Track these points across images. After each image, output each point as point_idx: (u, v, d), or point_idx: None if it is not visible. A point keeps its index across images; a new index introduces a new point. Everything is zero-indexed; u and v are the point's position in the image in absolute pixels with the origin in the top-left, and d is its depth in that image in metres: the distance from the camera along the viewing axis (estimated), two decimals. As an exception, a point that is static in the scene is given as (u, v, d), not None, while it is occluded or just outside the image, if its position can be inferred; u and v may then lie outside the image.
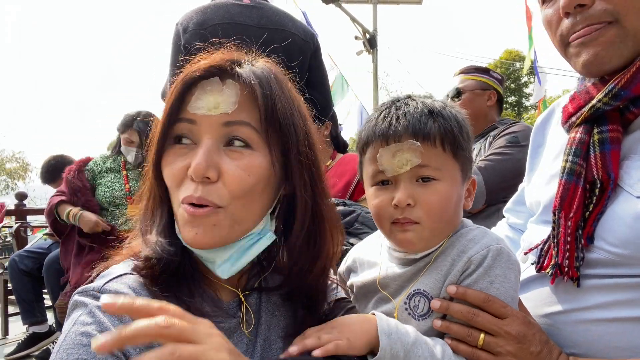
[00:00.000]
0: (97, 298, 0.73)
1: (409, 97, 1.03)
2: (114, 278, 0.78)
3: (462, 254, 0.94)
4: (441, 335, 0.93)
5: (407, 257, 1.01)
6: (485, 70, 2.67)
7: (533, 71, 7.69)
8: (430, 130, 0.94)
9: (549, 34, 1.05)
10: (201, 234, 0.78)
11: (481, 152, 2.40)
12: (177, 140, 0.82)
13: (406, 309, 0.97)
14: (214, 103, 0.80)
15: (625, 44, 0.92)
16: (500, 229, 1.50)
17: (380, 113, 1.00)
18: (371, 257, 1.11)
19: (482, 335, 0.88)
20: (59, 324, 3.23)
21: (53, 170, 4.11)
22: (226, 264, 0.84)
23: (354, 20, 8.31)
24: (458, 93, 2.57)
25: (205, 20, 2.13)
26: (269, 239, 0.89)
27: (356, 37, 8.72)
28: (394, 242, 1.02)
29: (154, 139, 0.84)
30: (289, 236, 0.91)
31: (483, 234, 0.98)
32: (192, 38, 2.13)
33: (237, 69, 0.83)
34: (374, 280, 1.04)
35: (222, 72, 0.82)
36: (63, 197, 3.22)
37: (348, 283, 1.13)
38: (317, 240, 0.91)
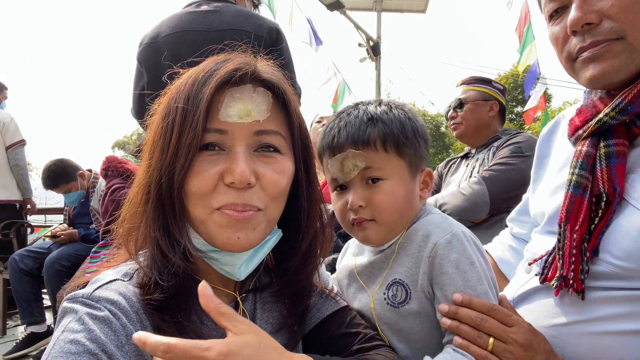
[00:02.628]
0: (87, 305, 0.72)
1: (356, 105, 1.11)
2: (104, 284, 0.76)
3: (427, 238, 1.01)
4: (418, 322, 1.00)
5: (375, 248, 1.10)
6: (487, 81, 2.68)
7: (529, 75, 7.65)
8: (369, 136, 1.02)
9: (555, 50, 1.07)
10: (244, 237, 0.80)
11: (485, 162, 2.41)
12: (202, 146, 0.80)
13: (385, 299, 1.04)
14: (245, 111, 0.80)
15: (632, 59, 0.93)
16: (504, 239, 1.51)
17: (328, 126, 1.10)
18: (351, 247, 1.24)
19: (491, 340, 0.90)
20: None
21: (55, 175, 4.08)
22: (243, 266, 0.86)
23: (358, 27, 8.35)
24: (460, 104, 2.58)
25: (159, 32, 2.17)
26: (277, 237, 0.92)
27: (360, 44, 8.76)
28: (357, 240, 1.13)
29: (173, 148, 0.79)
30: (290, 237, 0.94)
31: (443, 218, 1.06)
32: (144, 51, 2.19)
33: (263, 75, 0.84)
34: (351, 269, 1.15)
35: (248, 77, 0.82)
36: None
37: (334, 276, 1.23)
38: (313, 243, 0.94)
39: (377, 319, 1.04)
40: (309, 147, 0.92)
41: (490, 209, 2.16)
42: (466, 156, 2.67)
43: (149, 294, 0.77)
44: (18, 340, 3.73)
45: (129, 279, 0.80)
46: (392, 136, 1.03)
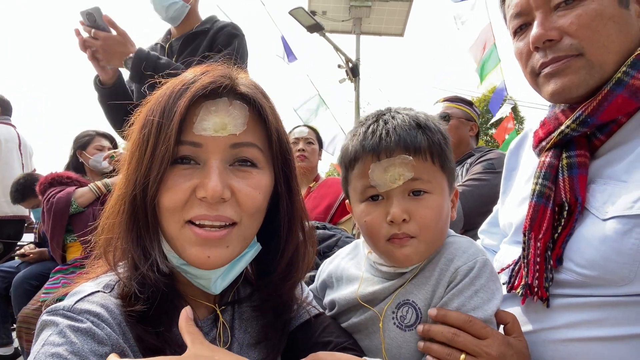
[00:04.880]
0: (68, 317, 0.70)
1: (391, 109, 1.04)
2: (85, 296, 0.75)
3: (450, 262, 0.95)
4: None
5: (396, 270, 1.01)
6: (469, 103, 2.77)
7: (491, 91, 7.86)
8: (421, 143, 0.94)
9: (520, 65, 1.11)
10: (214, 257, 0.79)
11: (459, 178, 2.46)
12: (176, 160, 0.79)
13: (393, 318, 0.96)
14: (221, 124, 0.79)
15: (591, 74, 0.97)
16: None
17: (368, 127, 0.99)
18: (350, 272, 1.10)
19: (462, 356, 0.89)
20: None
21: (22, 189, 3.99)
22: (219, 280, 0.84)
23: (337, 49, 8.51)
24: (447, 117, 2.64)
25: None
26: (256, 251, 0.91)
27: (339, 66, 8.91)
28: (389, 259, 1.00)
29: (147, 160, 0.78)
30: (271, 251, 0.93)
31: (469, 243, 1.00)
32: None
33: (241, 88, 0.83)
34: (355, 295, 1.03)
35: (225, 90, 0.81)
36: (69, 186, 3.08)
37: (326, 300, 1.13)
38: (294, 258, 0.93)
39: (383, 338, 0.98)
40: (290, 160, 0.90)
41: (464, 223, 2.20)
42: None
43: (130, 305, 0.76)
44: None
45: (110, 291, 0.79)
46: (439, 146, 0.96)
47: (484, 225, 1.54)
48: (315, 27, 7.74)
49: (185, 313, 0.70)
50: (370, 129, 0.98)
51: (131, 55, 1.98)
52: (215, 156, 0.79)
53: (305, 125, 3.33)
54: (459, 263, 0.94)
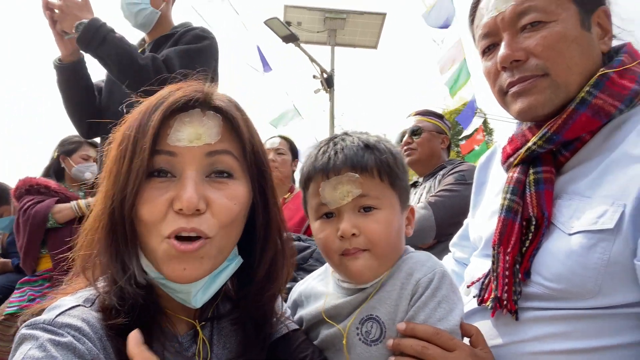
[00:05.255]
0: (48, 331, 0.69)
1: (346, 133, 1.09)
2: (65, 310, 0.74)
3: (410, 276, 0.98)
4: None
5: (356, 286, 1.04)
6: (440, 116, 2.84)
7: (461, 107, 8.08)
8: (367, 162, 0.99)
9: (489, 84, 1.15)
10: (190, 269, 0.79)
11: (431, 189, 2.51)
12: (153, 173, 0.80)
13: (358, 334, 0.98)
14: (195, 134, 0.80)
15: (556, 94, 1.01)
16: (447, 263, 1.56)
17: (320, 149, 1.05)
18: (317, 289, 1.13)
19: None
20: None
21: None
22: (199, 294, 0.84)
23: (312, 60, 8.57)
24: (417, 131, 2.69)
25: None
26: (237, 264, 0.91)
27: (314, 76, 8.97)
28: (344, 274, 1.04)
29: (124, 174, 0.79)
30: (251, 263, 0.93)
31: (427, 257, 1.04)
32: None
33: (215, 101, 0.85)
34: (320, 310, 1.05)
35: (198, 103, 0.83)
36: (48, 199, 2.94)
37: (296, 317, 1.14)
38: (272, 269, 0.93)
39: (347, 355, 0.99)
40: (265, 172, 0.91)
41: (436, 234, 2.24)
42: (414, 185, 2.78)
43: (111, 318, 0.75)
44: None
45: (91, 305, 0.78)
46: (388, 165, 1.01)
47: (455, 239, 1.57)
48: (290, 38, 7.78)
49: (134, 338, 0.68)
50: (322, 150, 1.05)
51: (85, 20, 1.98)
52: (191, 167, 0.80)
53: (278, 136, 3.34)
54: (419, 275, 0.97)
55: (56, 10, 2.03)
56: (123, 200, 0.78)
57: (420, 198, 2.55)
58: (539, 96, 1.02)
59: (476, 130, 8.70)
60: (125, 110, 0.90)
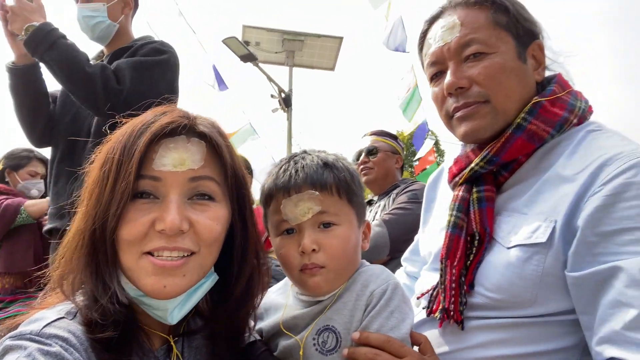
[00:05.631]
0: (36, 341, 0.70)
1: (305, 152, 1.14)
2: (51, 322, 0.75)
3: (365, 288, 1.03)
4: None
5: (314, 299, 1.07)
6: (395, 137, 2.95)
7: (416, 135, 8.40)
8: (327, 180, 1.04)
9: (436, 108, 1.23)
10: (170, 286, 0.81)
11: (385, 207, 2.59)
12: (136, 195, 0.82)
13: (314, 344, 1.01)
14: (180, 160, 0.83)
15: (496, 119, 1.10)
16: (399, 277, 1.60)
17: (281, 167, 1.09)
18: (277, 301, 1.16)
19: None
20: None
21: None
22: (175, 311, 0.86)
23: (270, 79, 8.65)
24: (374, 151, 2.78)
25: None
26: (212, 281, 0.93)
27: (272, 96, 9.03)
28: (303, 288, 1.08)
29: (107, 196, 0.81)
30: (226, 280, 0.96)
31: (381, 270, 1.09)
32: None
33: (199, 127, 0.88)
34: (278, 321, 1.08)
35: (183, 129, 0.86)
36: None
37: (256, 328, 1.15)
38: (249, 286, 0.97)
39: None
40: (245, 194, 0.95)
41: (391, 250, 2.31)
42: (369, 203, 2.86)
43: (95, 332, 0.77)
44: None
45: (73, 317, 0.79)
46: (346, 183, 1.06)
47: (406, 254, 1.64)
48: (248, 57, 7.82)
49: None
50: (283, 168, 1.08)
51: (35, 23, 1.95)
52: (174, 190, 0.83)
53: None
54: (373, 287, 1.02)
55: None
56: (105, 222, 0.80)
57: (375, 216, 2.63)
58: (481, 121, 1.11)
59: (428, 151, 9.04)
60: (107, 131, 0.92)
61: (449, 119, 1.18)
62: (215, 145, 0.89)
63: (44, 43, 1.92)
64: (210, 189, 0.87)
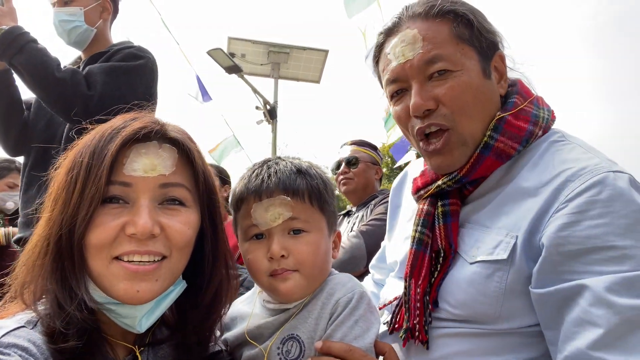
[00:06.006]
0: None
1: (279, 158, 1.13)
2: (10, 331, 0.74)
3: (330, 296, 1.02)
4: None
5: (281, 307, 1.06)
6: (375, 147, 2.97)
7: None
8: (299, 186, 1.03)
9: (399, 127, 1.19)
10: (144, 290, 0.81)
11: (363, 218, 2.60)
12: (106, 200, 0.81)
13: (278, 354, 1.00)
14: (151, 165, 0.83)
15: (467, 147, 1.07)
16: (366, 285, 1.60)
17: (253, 172, 1.08)
18: (243, 311, 1.14)
19: None
20: None
21: None
22: (144, 319, 0.85)
23: (255, 91, 8.65)
24: (355, 161, 2.78)
25: None
26: (181, 288, 0.92)
27: (257, 107, 9.03)
28: (274, 293, 1.05)
29: (75, 201, 0.80)
30: (194, 288, 0.95)
31: (348, 278, 1.08)
32: None
33: (170, 133, 0.88)
34: (243, 331, 1.07)
35: (155, 134, 0.86)
36: None
37: (222, 337, 1.15)
38: (218, 294, 0.96)
39: None
40: (215, 200, 0.95)
41: (367, 261, 2.31)
42: (348, 213, 2.86)
43: (57, 342, 0.75)
44: None
45: (33, 327, 0.77)
46: (318, 191, 1.05)
47: (373, 261, 1.63)
48: (233, 69, 7.82)
49: None
50: (255, 173, 1.08)
51: (4, 27, 1.92)
52: (145, 195, 0.83)
53: (210, 165, 3.33)
54: (338, 295, 1.02)
55: None
56: (73, 227, 0.79)
57: (353, 227, 2.63)
58: (452, 155, 1.08)
59: (407, 163, 9.14)
60: (74, 136, 0.91)
61: (414, 138, 1.14)
62: (187, 151, 0.89)
63: (12, 47, 1.90)
64: (180, 195, 0.88)
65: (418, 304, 1.05)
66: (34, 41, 1.96)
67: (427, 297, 1.05)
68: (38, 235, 0.84)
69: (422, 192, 1.18)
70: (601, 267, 0.85)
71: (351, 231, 2.54)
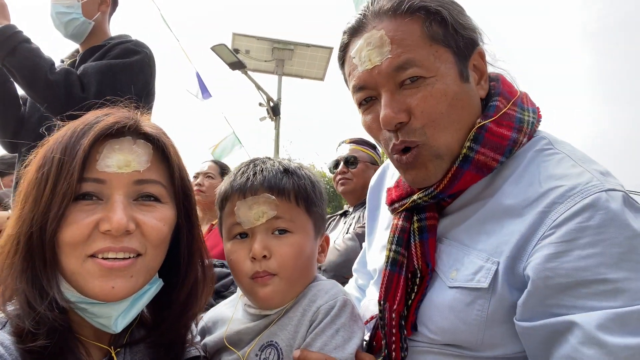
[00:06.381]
0: None
1: (268, 158, 1.11)
2: None
3: (312, 303, 0.99)
4: None
5: (261, 312, 1.04)
6: (374, 146, 2.89)
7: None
8: (285, 185, 1.01)
9: (371, 136, 1.09)
10: (120, 286, 0.80)
11: (360, 219, 2.56)
12: (78, 197, 0.80)
13: None
14: (125, 161, 0.82)
15: (442, 159, 0.97)
16: (349, 290, 1.51)
17: (239, 170, 1.06)
18: (224, 314, 1.12)
19: None
20: None
21: None
22: (119, 318, 0.84)
23: (259, 87, 8.63)
24: (354, 161, 2.73)
25: None
26: (157, 287, 0.91)
27: (260, 104, 9.01)
28: (253, 299, 1.03)
29: (47, 198, 0.78)
30: (169, 286, 0.94)
31: (332, 285, 1.05)
32: None
33: (144, 128, 0.86)
34: (222, 336, 1.05)
35: (129, 130, 0.84)
36: None
37: (202, 342, 1.12)
38: (193, 292, 0.95)
39: None
40: (191, 196, 0.94)
41: (362, 265, 2.27)
42: (344, 214, 2.82)
43: (26, 342, 0.74)
44: None
45: (2, 327, 0.77)
46: (305, 191, 1.03)
47: (355, 265, 1.55)
48: (237, 65, 7.81)
49: None
50: (241, 171, 1.06)
51: None
52: (119, 191, 0.81)
53: (211, 161, 3.30)
54: (320, 302, 0.99)
55: None
56: (44, 225, 0.77)
57: (349, 228, 2.59)
58: (427, 169, 0.99)
59: None
60: (45, 133, 0.89)
61: (387, 150, 1.04)
62: (162, 147, 0.87)
63: (4, 48, 1.88)
64: (156, 192, 0.87)
65: (394, 331, 0.99)
66: (27, 41, 1.94)
67: (403, 322, 0.99)
68: (7, 234, 0.83)
69: (396, 205, 1.10)
70: (592, 302, 0.78)
71: (347, 232, 2.50)
